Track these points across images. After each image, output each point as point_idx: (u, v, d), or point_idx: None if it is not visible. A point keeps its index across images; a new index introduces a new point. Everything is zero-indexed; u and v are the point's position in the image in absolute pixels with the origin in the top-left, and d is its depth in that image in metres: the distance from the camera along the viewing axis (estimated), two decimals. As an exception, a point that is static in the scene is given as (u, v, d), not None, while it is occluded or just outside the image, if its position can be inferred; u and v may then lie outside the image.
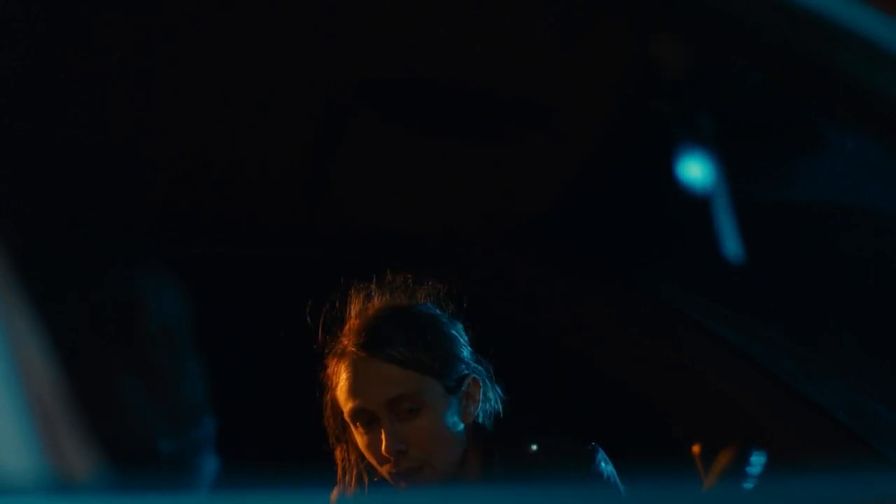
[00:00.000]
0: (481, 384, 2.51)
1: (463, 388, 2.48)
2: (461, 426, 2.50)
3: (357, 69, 1.72)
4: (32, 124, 1.70)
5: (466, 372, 2.47)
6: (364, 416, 2.49)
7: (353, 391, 2.50)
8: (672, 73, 1.76)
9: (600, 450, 2.48)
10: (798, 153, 1.81)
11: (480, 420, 2.53)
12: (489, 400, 2.54)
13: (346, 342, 2.52)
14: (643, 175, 1.97)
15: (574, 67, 1.70)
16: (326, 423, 2.62)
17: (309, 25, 1.64)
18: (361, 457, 2.56)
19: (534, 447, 2.49)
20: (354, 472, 2.57)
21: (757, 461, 1.97)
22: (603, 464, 2.47)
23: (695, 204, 1.82)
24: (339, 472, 2.59)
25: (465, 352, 2.48)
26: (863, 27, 1.29)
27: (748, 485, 2.00)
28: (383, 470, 2.50)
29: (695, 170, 1.80)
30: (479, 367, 2.52)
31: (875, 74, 1.31)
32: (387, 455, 2.46)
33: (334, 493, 2.61)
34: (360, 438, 2.52)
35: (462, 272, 2.22)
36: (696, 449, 2.09)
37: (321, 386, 2.63)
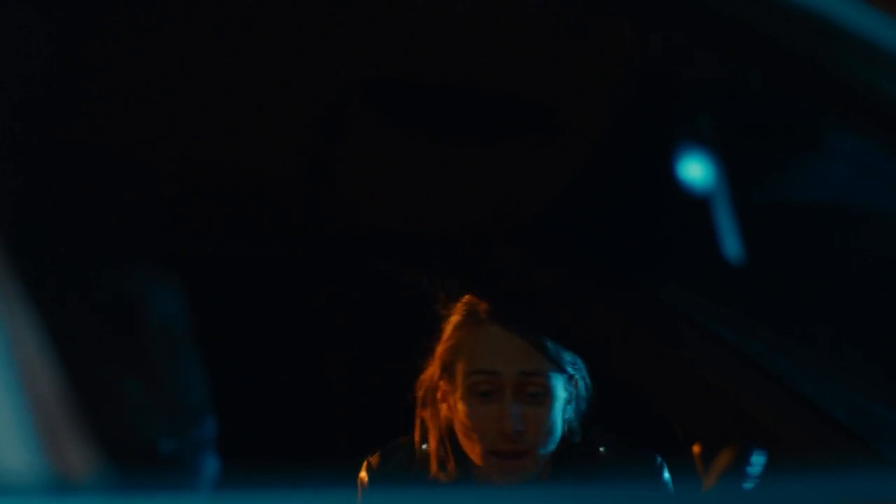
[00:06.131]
0: (578, 386, 2.54)
1: (571, 387, 2.51)
2: (560, 426, 2.52)
3: (357, 70, 1.72)
4: (32, 125, 1.70)
5: (573, 371, 2.50)
6: (491, 382, 2.48)
7: (486, 355, 2.49)
8: (672, 73, 1.76)
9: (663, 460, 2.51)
10: (799, 154, 1.81)
11: (570, 419, 2.55)
12: (580, 400, 2.56)
13: (481, 309, 2.51)
14: (643, 175, 1.97)
15: (574, 67, 1.70)
16: (419, 385, 2.60)
17: (308, 26, 1.64)
18: (448, 428, 2.55)
19: (602, 449, 2.51)
20: (436, 440, 2.56)
21: (757, 461, 1.97)
22: (667, 474, 2.50)
23: (695, 204, 1.82)
24: (417, 436, 2.58)
25: (568, 353, 2.50)
26: (863, 27, 1.29)
27: (748, 485, 2.00)
28: (478, 445, 2.48)
29: (695, 170, 1.80)
30: (580, 369, 2.54)
31: (876, 75, 1.31)
32: (504, 430, 2.46)
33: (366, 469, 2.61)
34: (467, 406, 2.49)
35: (462, 272, 2.22)
36: (696, 449, 2.09)
37: (425, 348, 2.61)
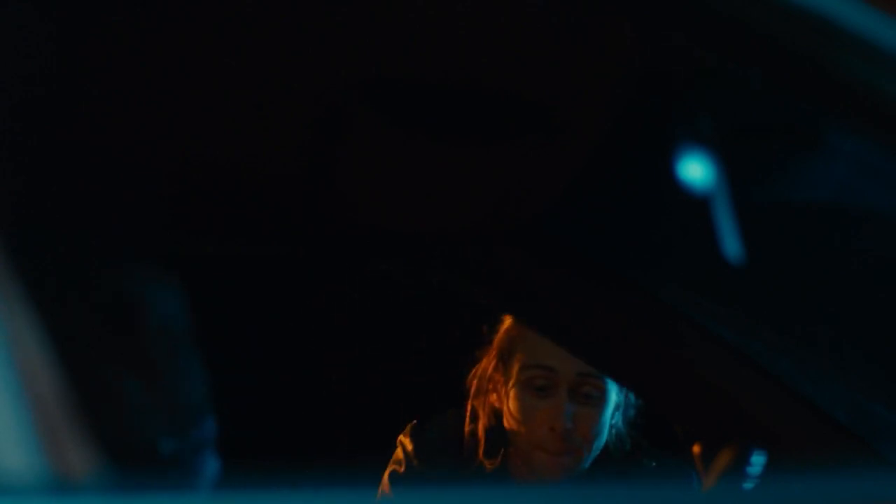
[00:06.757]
0: (629, 393, 2.54)
1: (622, 392, 2.52)
2: (606, 432, 2.53)
3: (357, 70, 1.72)
4: (32, 125, 1.70)
5: None
6: (547, 379, 2.48)
7: (550, 349, 2.49)
8: (672, 73, 1.76)
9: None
10: (798, 153, 1.81)
11: (615, 428, 2.56)
12: (631, 408, 2.57)
13: None
14: (643, 175, 1.97)
15: (574, 67, 1.70)
16: (474, 373, 2.61)
17: (308, 26, 1.64)
18: (496, 418, 2.55)
19: (648, 461, 2.52)
20: (484, 428, 2.57)
21: (757, 461, 1.97)
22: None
23: (695, 204, 1.82)
24: (468, 420, 2.59)
25: None
26: (863, 27, 1.29)
27: (748, 485, 2.00)
28: (525, 438, 2.49)
29: (695, 170, 1.80)
30: None
31: (876, 75, 1.31)
32: (555, 427, 2.47)
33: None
34: (520, 400, 2.50)
35: (462, 272, 2.22)
36: (696, 449, 2.09)
37: (481, 341, 2.61)
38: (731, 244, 1.80)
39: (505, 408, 2.51)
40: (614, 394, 2.50)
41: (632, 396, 2.55)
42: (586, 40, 1.64)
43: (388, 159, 1.90)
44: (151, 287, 1.58)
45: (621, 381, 2.46)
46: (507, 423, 2.50)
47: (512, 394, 2.49)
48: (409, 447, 2.58)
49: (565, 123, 1.81)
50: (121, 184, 1.86)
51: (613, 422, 2.53)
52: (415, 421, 2.63)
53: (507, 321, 2.56)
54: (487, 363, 2.57)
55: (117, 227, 1.81)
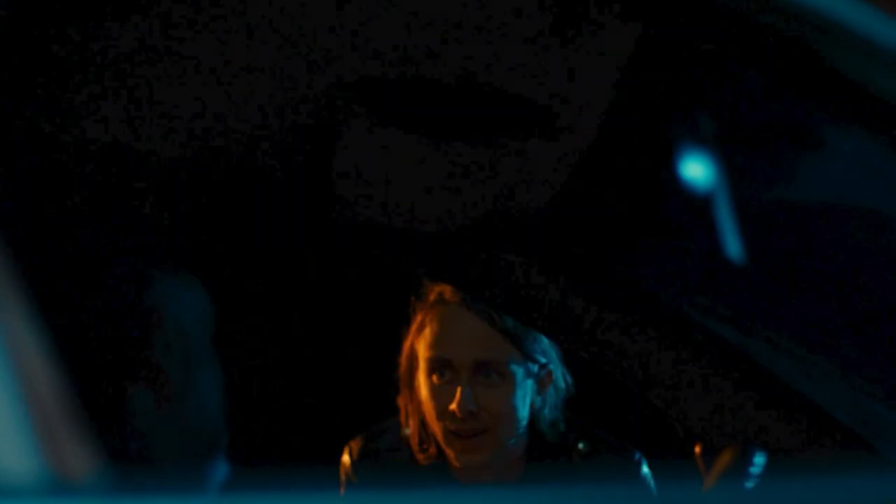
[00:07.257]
0: (552, 379, 2.55)
1: (540, 376, 2.52)
2: (526, 411, 2.53)
3: (357, 70, 1.72)
4: (37, 123, 1.70)
5: (545, 361, 2.51)
6: (444, 368, 2.51)
7: (442, 342, 2.52)
8: (672, 72, 1.76)
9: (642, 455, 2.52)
10: (798, 153, 1.81)
11: (542, 411, 2.57)
12: (557, 392, 2.57)
13: (445, 292, 2.53)
14: (643, 175, 1.97)
15: (574, 67, 1.70)
16: (399, 369, 2.64)
17: (308, 26, 1.64)
18: (421, 412, 2.57)
19: (581, 446, 2.53)
20: (416, 422, 2.59)
21: (757, 461, 1.97)
22: (646, 469, 2.50)
23: (695, 204, 1.82)
24: (402, 418, 2.62)
25: (546, 341, 2.51)
26: (864, 27, 1.29)
27: (748, 485, 2.00)
28: (437, 425, 2.51)
29: (695, 170, 1.80)
30: (556, 360, 2.54)
31: (876, 74, 1.31)
32: (455, 411, 2.49)
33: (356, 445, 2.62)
34: (427, 388, 2.53)
35: (462, 272, 2.22)
36: (696, 449, 2.09)
37: (402, 333, 2.64)
38: (732, 244, 1.80)
39: (418, 398, 2.55)
40: (523, 376, 2.50)
41: (560, 381, 2.56)
42: (586, 41, 1.64)
43: (388, 159, 1.90)
44: (170, 293, 1.57)
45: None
46: (424, 413, 2.54)
47: (421, 383, 2.53)
48: (348, 466, 2.61)
49: (565, 123, 1.81)
50: (120, 184, 1.86)
51: (538, 406, 2.54)
52: (353, 440, 2.66)
53: (415, 313, 2.58)
54: (403, 357, 2.60)
55: (117, 227, 1.81)
